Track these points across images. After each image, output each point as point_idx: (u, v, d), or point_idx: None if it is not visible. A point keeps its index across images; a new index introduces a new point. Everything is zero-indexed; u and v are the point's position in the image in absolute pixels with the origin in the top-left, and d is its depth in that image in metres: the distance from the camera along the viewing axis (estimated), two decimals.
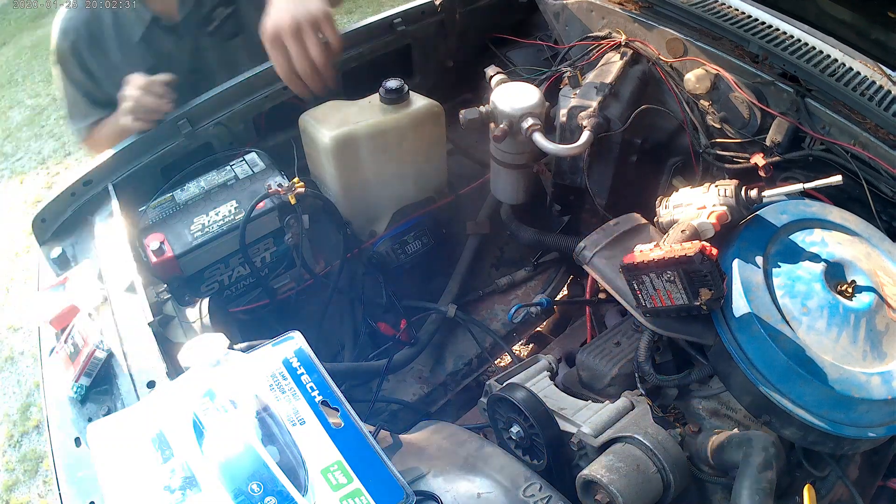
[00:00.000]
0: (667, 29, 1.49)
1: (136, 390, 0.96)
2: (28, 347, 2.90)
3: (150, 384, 0.96)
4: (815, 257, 1.05)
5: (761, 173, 1.29)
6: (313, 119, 1.47)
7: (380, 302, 1.57)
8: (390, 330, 1.43)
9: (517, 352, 1.94)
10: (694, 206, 1.11)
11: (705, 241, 0.99)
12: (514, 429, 1.05)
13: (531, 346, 2.01)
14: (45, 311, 1.12)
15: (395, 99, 1.46)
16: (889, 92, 1.32)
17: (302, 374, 0.87)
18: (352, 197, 1.51)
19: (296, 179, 1.36)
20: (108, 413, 0.99)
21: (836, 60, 1.38)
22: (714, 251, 0.94)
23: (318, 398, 0.85)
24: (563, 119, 1.39)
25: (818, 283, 1.02)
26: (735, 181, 1.11)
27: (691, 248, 0.94)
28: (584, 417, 1.03)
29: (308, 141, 1.50)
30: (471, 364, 1.55)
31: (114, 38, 1.49)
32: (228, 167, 1.40)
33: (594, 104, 1.34)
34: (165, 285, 1.17)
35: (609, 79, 1.40)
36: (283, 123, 1.58)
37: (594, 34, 1.59)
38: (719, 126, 1.41)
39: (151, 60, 1.53)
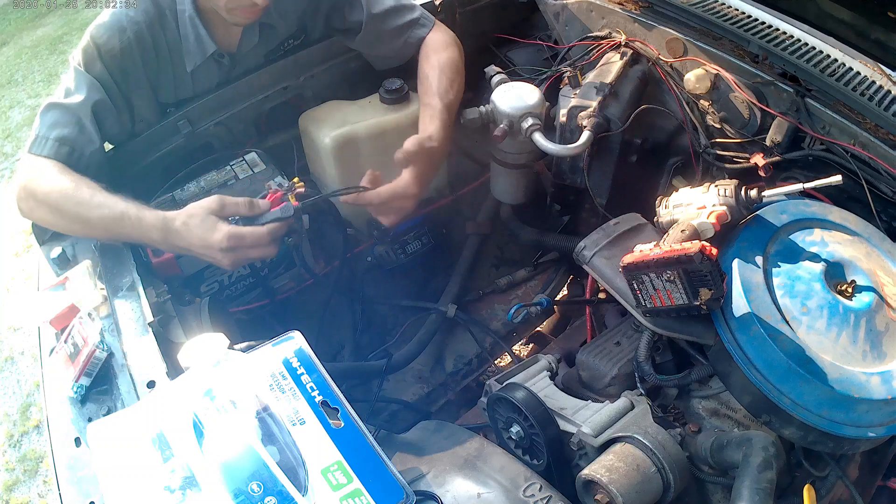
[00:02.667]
0: (667, 29, 1.49)
1: (136, 390, 0.96)
2: (28, 347, 2.90)
3: (150, 384, 0.96)
4: (814, 257, 1.05)
5: (761, 173, 1.29)
6: (313, 119, 1.47)
7: (379, 302, 1.57)
8: None
9: (517, 352, 1.94)
10: (694, 205, 1.11)
11: (705, 240, 0.99)
12: (514, 429, 1.05)
13: (531, 346, 2.01)
14: (45, 311, 1.12)
15: (395, 99, 1.46)
16: (889, 92, 1.32)
17: (302, 374, 0.87)
18: None
19: (296, 179, 1.36)
20: (108, 413, 0.99)
21: (836, 60, 1.38)
22: (714, 251, 0.94)
23: (318, 398, 0.85)
24: (563, 119, 1.39)
25: (818, 282, 1.02)
26: (735, 181, 1.11)
27: (691, 247, 0.94)
28: (584, 417, 1.03)
29: (308, 141, 1.50)
30: (471, 364, 1.55)
31: (168, 58, 1.37)
32: (228, 167, 1.40)
33: (594, 104, 1.34)
34: (165, 285, 1.17)
35: (609, 79, 1.40)
36: (283, 123, 1.58)
37: (594, 34, 1.59)
38: (719, 126, 1.41)
39: (192, 91, 1.44)
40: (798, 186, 1.07)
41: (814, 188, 1.07)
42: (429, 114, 1.36)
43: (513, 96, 1.39)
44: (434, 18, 1.53)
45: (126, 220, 1.15)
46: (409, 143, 1.26)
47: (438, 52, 1.46)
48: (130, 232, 1.16)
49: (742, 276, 1.02)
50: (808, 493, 0.94)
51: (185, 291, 1.28)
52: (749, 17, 1.49)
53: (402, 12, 1.48)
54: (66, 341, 1.07)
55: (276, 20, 1.43)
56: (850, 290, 1.02)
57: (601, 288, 1.21)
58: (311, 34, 1.54)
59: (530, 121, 1.35)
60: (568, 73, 1.45)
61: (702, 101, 1.43)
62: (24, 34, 5.69)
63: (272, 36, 1.47)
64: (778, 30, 1.45)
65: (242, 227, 1.15)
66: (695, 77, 1.41)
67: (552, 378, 1.16)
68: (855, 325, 0.99)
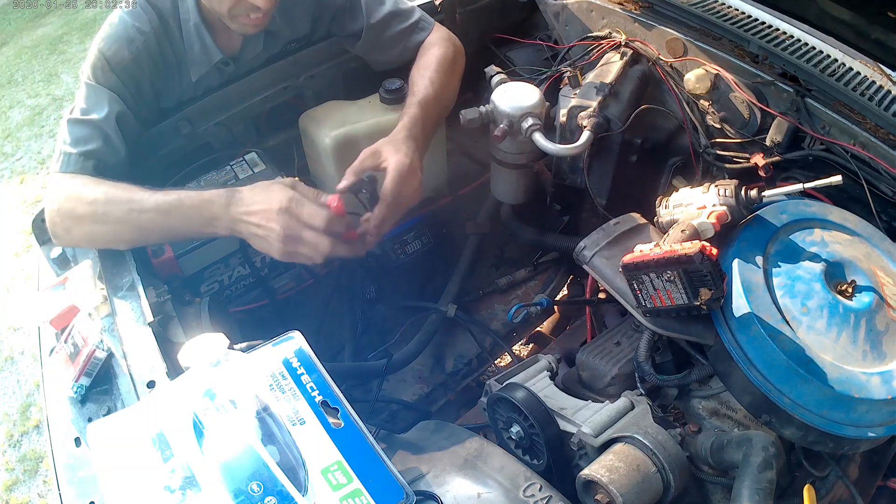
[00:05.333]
0: (667, 29, 1.50)
1: (136, 390, 0.96)
2: (28, 347, 2.90)
3: (150, 384, 0.96)
4: (815, 257, 1.05)
5: (761, 173, 1.29)
6: (313, 119, 1.48)
7: (379, 302, 1.57)
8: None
9: (517, 352, 1.94)
10: (694, 205, 1.11)
11: (705, 240, 0.99)
12: (514, 429, 1.05)
13: (531, 346, 2.01)
14: (45, 311, 1.12)
15: (395, 99, 1.47)
16: (889, 92, 1.32)
17: (302, 374, 0.87)
18: None
19: (296, 179, 1.36)
20: (108, 413, 0.99)
21: (836, 60, 1.38)
22: (714, 251, 0.94)
23: (318, 398, 0.85)
24: (563, 119, 1.39)
25: (818, 282, 1.02)
26: (735, 181, 1.11)
27: (691, 247, 0.94)
28: (584, 417, 1.03)
29: (308, 141, 1.50)
30: (471, 364, 1.55)
31: (174, 67, 1.36)
32: (228, 167, 1.40)
33: (594, 104, 1.35)
34: (165, 285, 1.17)
35: (609, 79, 1.40)
36: (283, 123, 1.58)
37: (594, 34, 1.59)
38: (719, 126, 1.41)
39: (190, 95, 1.43)
40: (798, 186, 1.07)
41: (814, 188, 1.07)
42: (403, 111, 1.35)
43: (513, 96, 1.39)
44: (434, 21, 1.52)
45: (185, 199, 1.14)
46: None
47: (427, 52, 1.46)
48: (188, 212, 1.13)
49: (742, 276, 1.02)
50: (808, 493, 0.94)
51: (185, 291, 1.28)
52: (749, 17, 1.50)
53: (401, 18, 1.48)
54: (66, 341, 1.07)
55: (279, 27, 1.43)
56: (850, 290, 1.02)
57: (601, 288, 1.21)
58: (313, 37, 1.54)
59: (530, 121, 1.35)
60: (568, 73, 1.45)
61: (702, 101, 1.43)
62: (24, 34, 5.69)
63: (275, 42, 1.47)
64: (778, 30, 1.45)
65: (307, 200, 1.11)
66: (695, 77, 1.41)
67: (552, 378, 1.16)
68: (855, 325, 0.99)
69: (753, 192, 1.08)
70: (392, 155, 1.24)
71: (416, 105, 1.34)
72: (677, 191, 1.17)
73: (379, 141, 1.27)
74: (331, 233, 1.11)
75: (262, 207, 1.11)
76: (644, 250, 1.01)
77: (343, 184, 1.22)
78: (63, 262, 1.25)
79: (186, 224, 1.15)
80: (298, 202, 1.10)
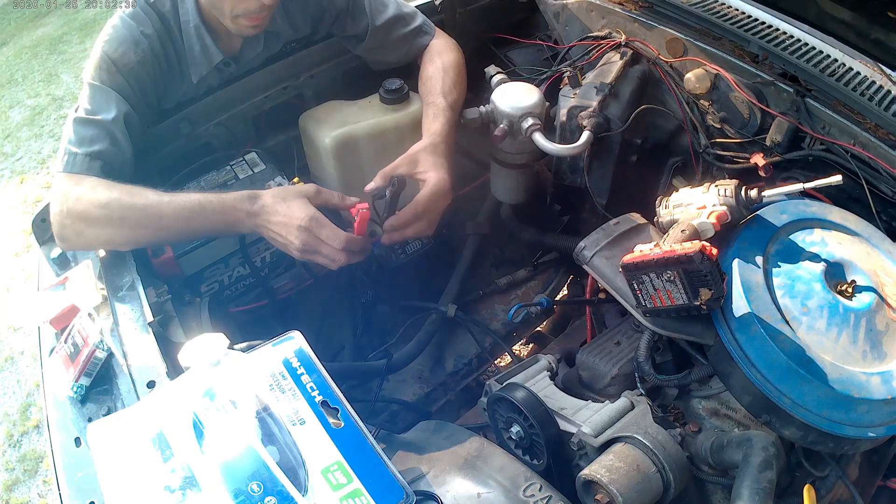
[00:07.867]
0: (667, 29, 1.50)
1: (136, 390, 0.96)
2: (28, 347, 2.90)
3: (150, 384, 0.96)
4: (815, 257, 1.05)
5: (761, 173, 1.29)
6: (313, 119, 1.47)
7: (379, 302, 1.57)
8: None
9: (517, 352, 1.94)
10: (694, 205, 1.11)
11: (705, 240, 0.99)
12: (514, 429, 1.05)
13: (531, 346, 2.01)
14: (45, 311, 1.12)
15: (395, 99, 1.47)
16: (889, 92, 1.32)
17: (302, 374, 0.87)
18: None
19: (296, 179, 1.36)
20: (108, 413, 0.99)
21: (836, 60, 1.38)
22: (714, 251, 0.94)
23: (318, 398, 0.85)
24: (563, 119, 1.39)
25: (818, 282, 1.02)
26: (735, 181, 1.11)
27: (691, 247, 0.94)
28: (584, 417, 1.03)
29: (308, 141, 1.50)
30: (471, 364, 1.55)
31: (177, 69, 1.36)
32: (228, 167, 1.40)
33: (594, 104, 1.35)
34: (165, 285, 1.17)
35: (609, 79, 1.40)
36: (283, 123, 1.58)
37: (594, 34, 1.59)
38: (719, 126, 1.41)
39: (191, 95, 1.43)
40: (798, 186, 1.07)
41: (814, 188, 1.07)
42: (432, 112, 1.38)
43: (513, 96, 1.39)
44: (434, 26, 1.54)
45: (207, 205, 1.15)
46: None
47: (442, 54, 1.48)
48: (210, 217, 1.16)
49: (742, 276, 1.02)
50: (808, 493, 0.94)
51: (185, 291, 1.28)
52: (749, 17, 1.49)
53: (406, 21, 1.50)
54: (66, 341, 1.08)
55: (280, 27, 1.43)
56: (850, 290, 1.02)
57: (601, 288, 1.21)
58: (314, 38, 1.54)
59: (530, 121, 1.35)
60: (568, 73, 1.45)
61: (702, 101, 1.43)
62: (24, 34, 5.69)
63: (275, 42, 1.47)
64: (778, 30, 1.45)
65: (327, 220, 1.15)
66: (695, 77, 1.41)
67: (552, 378, 1.16)
68: (855, 325, 1.00)
69: (753, 192, 1.08)
70: (432, 170, 1.28)
71: (450, 108, 1.38)
72: (677, 191, 1.17)
73: (418, 146, 1.31)
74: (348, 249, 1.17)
75: (283, 220, 1.15)
76: (644, 250, 1.01)
77: (371, 186, 1.25)
78: (63, 262, 1.25)
79: (207, 227, 1.18)
80: (318, 223, 1.14)
